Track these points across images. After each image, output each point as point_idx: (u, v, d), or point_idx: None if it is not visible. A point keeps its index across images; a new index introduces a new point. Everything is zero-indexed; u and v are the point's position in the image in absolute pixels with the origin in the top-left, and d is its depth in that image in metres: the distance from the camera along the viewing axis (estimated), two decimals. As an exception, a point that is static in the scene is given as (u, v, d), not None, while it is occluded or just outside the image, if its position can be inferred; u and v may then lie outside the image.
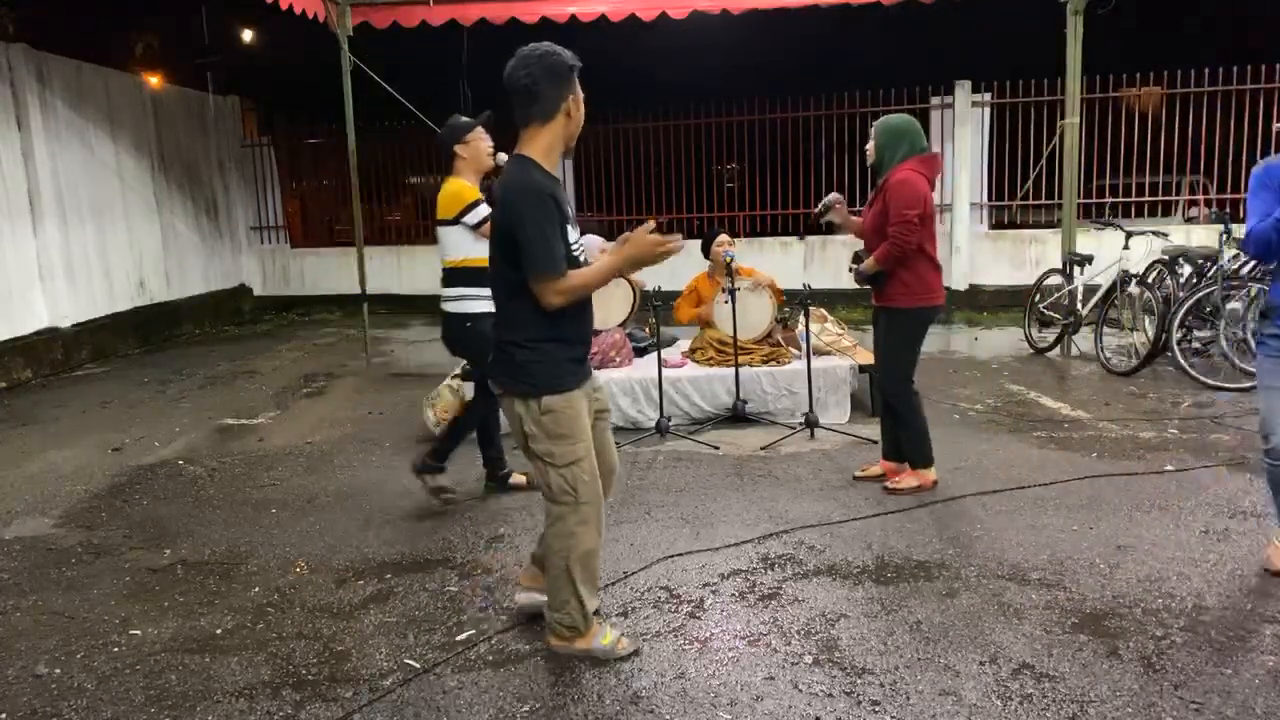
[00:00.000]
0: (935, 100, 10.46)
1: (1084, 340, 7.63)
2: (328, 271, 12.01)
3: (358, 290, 8.73)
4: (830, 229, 11.25)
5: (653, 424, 5.52)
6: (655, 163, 11.37)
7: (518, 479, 4.65)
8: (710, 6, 7.79)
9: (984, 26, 11.55)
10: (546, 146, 2.79)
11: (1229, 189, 9.85)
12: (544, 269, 2.67)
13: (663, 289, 5.71)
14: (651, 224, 2.80)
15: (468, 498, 4.58)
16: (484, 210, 4.07)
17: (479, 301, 4.10)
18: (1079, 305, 7.48)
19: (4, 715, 2.83)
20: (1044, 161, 9.27)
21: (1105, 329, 7.09)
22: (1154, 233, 7.40)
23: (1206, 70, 9.75)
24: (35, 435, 6.20)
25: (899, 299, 4.24)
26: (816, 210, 4.56)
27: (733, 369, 5.62)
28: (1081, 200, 8.88)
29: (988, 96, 10.42)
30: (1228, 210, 9.14)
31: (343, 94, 8.22)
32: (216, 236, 11.60)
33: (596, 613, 3.01)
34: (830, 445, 5.23)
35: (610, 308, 5.85)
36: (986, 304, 10.36)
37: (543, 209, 2.68)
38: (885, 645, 2.98)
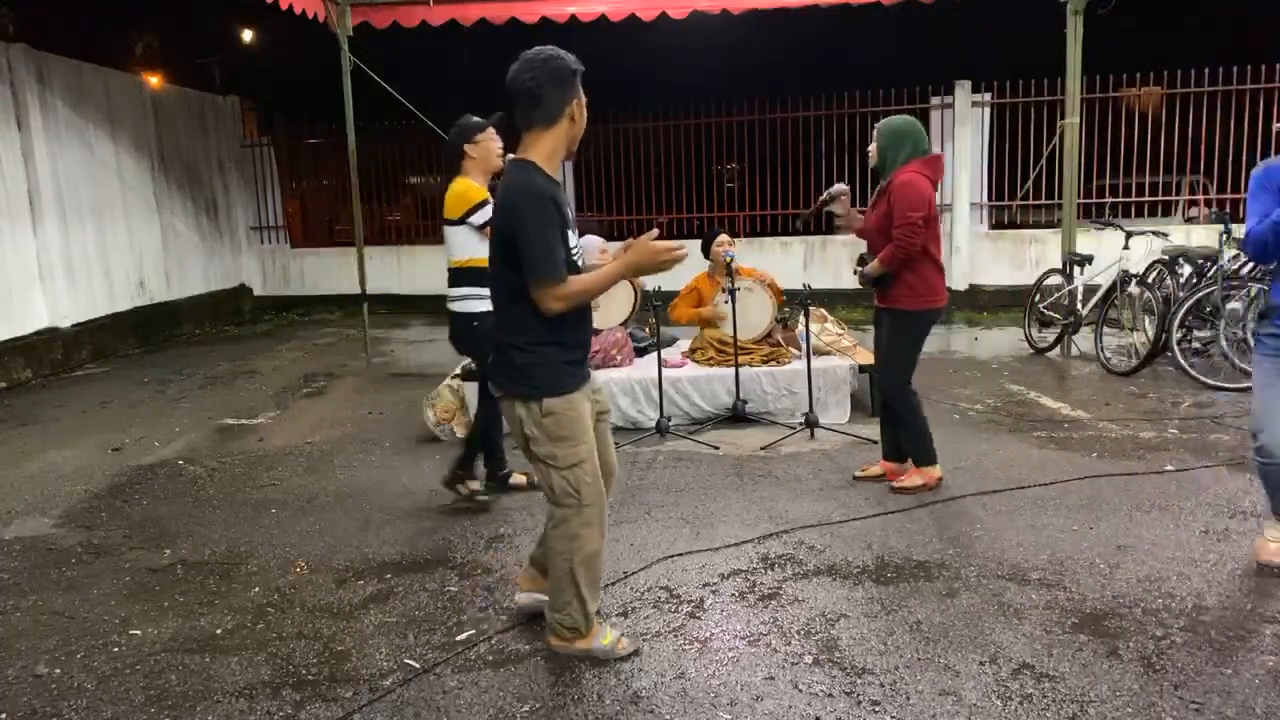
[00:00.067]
0: (935, 100, 10.45)
1: (1084, 340, 7.63)
2: (328, 271, 12.01)
3: (358, 290, 8.73)
4: (830, 225, 11.31)
5: (653, 424, 5.51)
6: (655, 163, 11.37)
7: (518, 479, 4.65)
8: (710, 6, 7.79)
9: (984, 26, 11.56)
10: (549, 150, 2.78)
11: (1229, 189, 9.84)
12: (545, 274, 2.66)
13: (662, 289, 5.71)
14: (655, 231, 2.79)
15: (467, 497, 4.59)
16: (490, 211, 4.07)
17: (486, 301, 4.09)
18: (1079, 305, 7.48)
19: (4, 715, 2.83)
20: (1044, 161, 9.27)
21: (1105, 329, 7.08)
22: (1154, 233, 7.40)
23: (1206, 70, 9.74)
24: (35, 435, 6.20)
25: (903, 301, 4.24)
26: (822, 198, 4.52)
27: (733, 369, 5.62)
28: (1081, 200, 8.88)
29: (988, 96, 10.42)
30: (1228, 210, 9.13)
31: (343, 94, 8.22)
32: (216, 236, 11.60)
33: (596, 613, 3.01)
34: (830, 445, 5.23)
35: (612, 308, 5.86)
36: (986, 304, 10.36)
37: (544, 213, 2.68)
38: (885, 645, 2.98)
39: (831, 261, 10.67)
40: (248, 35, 15.36)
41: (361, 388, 7.44)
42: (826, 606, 3.27)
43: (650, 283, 5.92)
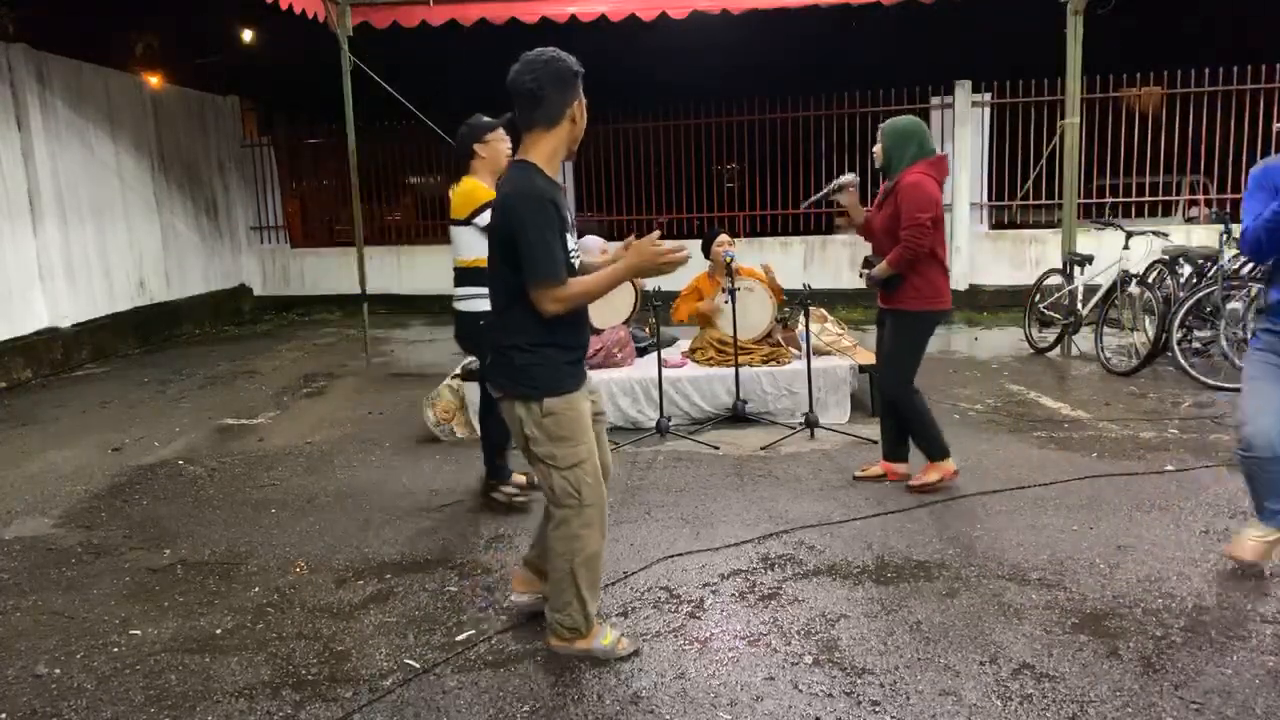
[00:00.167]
0: (935, 100, 10.45)
1: (1084, 340, 7.63)
2: (328, 271, 12.01)
3: (358, 290, 8.73)
4: (830, 225, 11.31)
5: (653, 424, 5.51)
6: (655, 163, 11.37)
7: (518, 479, 4.65)
8: (710, 6, 7.79)
9: (984, 26, 11.55)
10: (550, 152, 2.78)
11: (1229, 189, 9.84)
12: (545, 275, 2.66)
13: (662, 289, 5.71)
14: (657, 233, 2.79)
15: (467, 497, 4.58)
16: None
17: None
18: (1079, 305, 7.48)
19: (4, 715, 2.83)
20: (1044, 161, 9.27)
21: (1105, 329, 7.09)
22: (1154, 233, 7.40)
23: (1206, 70, 9.75)
24: (35, 435, 6.20)
25: (908, 302, 4.24)
26: (831, 186, 4.50)
27: (733, 369, 5.62)
28: (1081, 200, 8.88)
29: (988, 96, 10.43)
30: (1228, 210, 9.13)
31: (343, 94, 8.22)
32: (216, 236, 11.60)
33: (596, 613, 3.01)
34: (830, 445, 5.23)
35: (612, 307, 5.85)
36: (986, 304, 10.36)
37: (544, 215, 2.68)
38: (885, 645, 2.98)
39: (831, 261, 10.67)
40: (248, 35, 15.34)
41: (361, 388, 7.44)
42: (826, 606, 3.27)
43: (650, 283, 5.92)
